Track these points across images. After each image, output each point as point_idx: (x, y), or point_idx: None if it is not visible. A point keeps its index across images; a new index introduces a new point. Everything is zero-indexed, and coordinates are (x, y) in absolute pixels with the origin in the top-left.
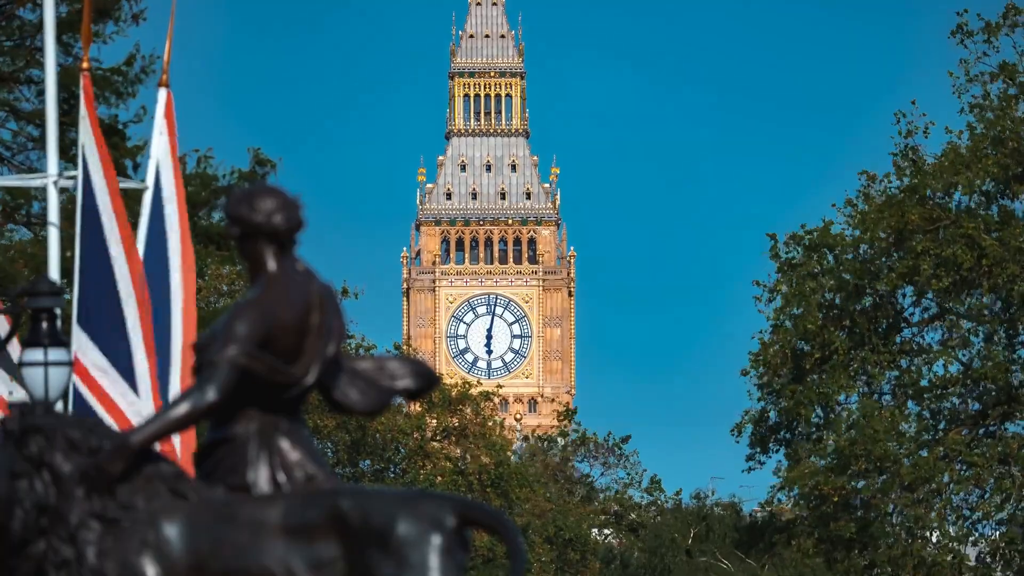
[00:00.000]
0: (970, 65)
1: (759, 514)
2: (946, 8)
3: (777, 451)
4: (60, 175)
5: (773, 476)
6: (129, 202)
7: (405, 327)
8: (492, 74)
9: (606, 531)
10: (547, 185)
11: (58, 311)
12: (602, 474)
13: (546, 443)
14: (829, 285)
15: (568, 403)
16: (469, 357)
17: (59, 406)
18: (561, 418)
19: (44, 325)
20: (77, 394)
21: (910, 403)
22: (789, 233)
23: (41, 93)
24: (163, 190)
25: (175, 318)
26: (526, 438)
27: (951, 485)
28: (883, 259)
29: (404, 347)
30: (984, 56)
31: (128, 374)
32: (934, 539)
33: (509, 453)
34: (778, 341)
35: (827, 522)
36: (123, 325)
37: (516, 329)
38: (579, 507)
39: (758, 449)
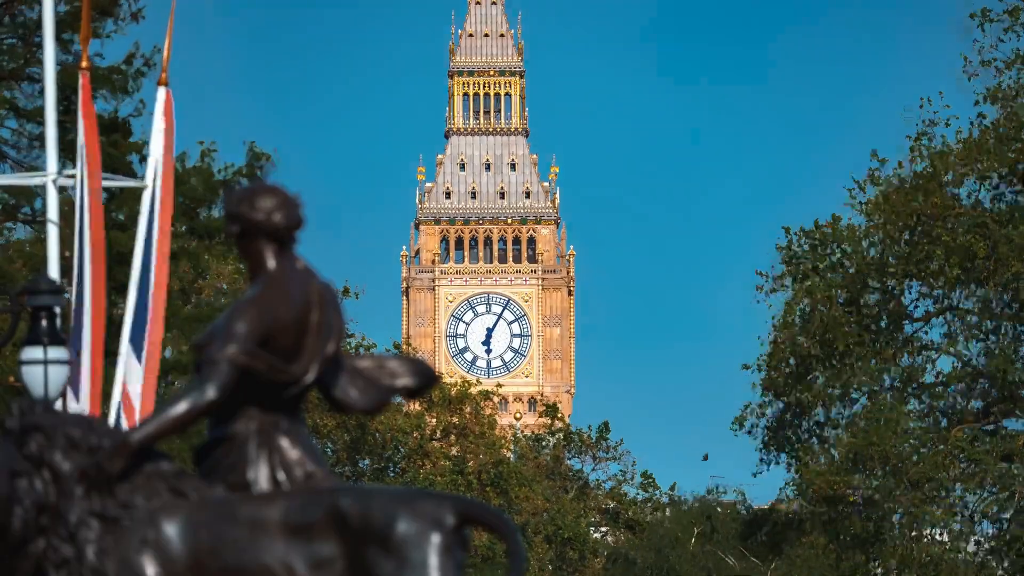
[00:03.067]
0: (984, 51)
1: (762, 511)
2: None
3: (788, 451)
4: (59, 173)
5: (784, 476)
6: (130, 201)
7: (404, 326)
8: (491, 73)
9: (603, 529)
10: (546, 184)
11: (57, 309)
12: (593, 469)
13: (536, 442)
14: (835, 281)
15: (558, 402)
16: (468, 356)
17: (58, 404)
18: (541, 415)
19: (44, 323)
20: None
21: (913, 400)
22: (801, 227)
23: (42, 91)
24: (158, 188)
25: (149, 310)
26: (516, 439)
27: (954, 483)
28: (893, 248)
29: (404, 346)
30: (999, 42)
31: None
32: (938, 536)
33: (507, 452)
34: (784, 338)
35: (835, 521)
36: (80, 328)
37: (516, 328)
38: (574, 504)
39: (772, 451)
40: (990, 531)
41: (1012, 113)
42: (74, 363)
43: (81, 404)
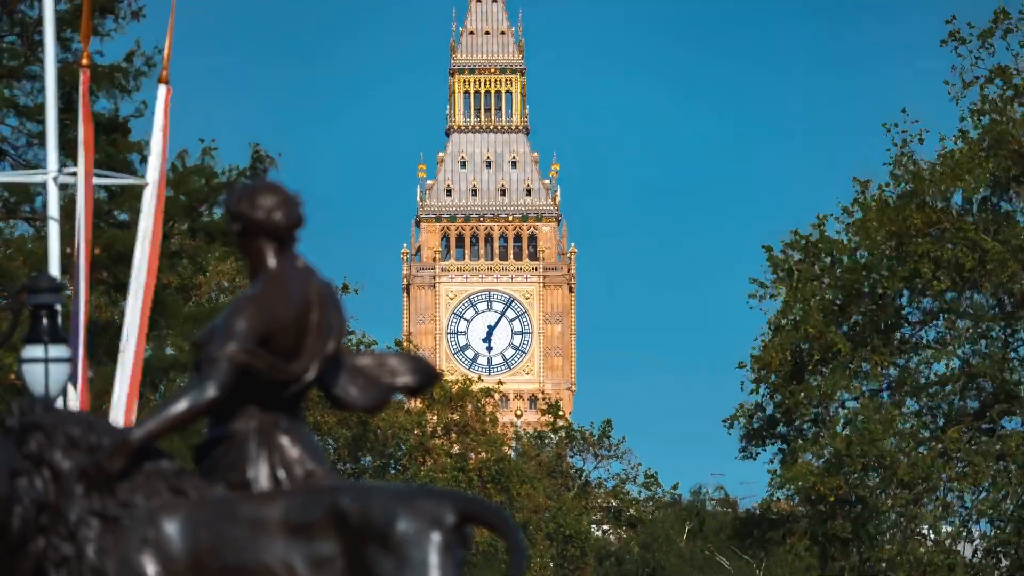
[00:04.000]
0: (965, 71)
1: (756, 510)
2: (939, 13)
3: (772, 444)
4: (60, 171)
5: (768, 471)
6: (132, 200)
7: (405, 323)
8: (492, 70)
9: (604, 527)
10: (547, 181)
11: (58, 307)
12: (595, 467)
13: (539, 440)
14: (829, 284)
15: (560, 399)
16: (469, 354)
17: (59, 403)
18: (544, 413)
19: (44, 322)
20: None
21: (908, 401)
22: (784, 240)
23: (43, 89)
24: (157, 185)
25: (135, 301)
26: (518, 436)
27: (948, 483)
28: (883, 262)
29: (405, 343)
30: (979, 60)
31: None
32: (931, 537)
33: (507, 450)
34: (778, 343)
35: (823, 520)
36: (76, 327)
37: (517, 326)
38: (576, 502)
39: (752, 441)
40: (986, 532)
41: (991, 125)
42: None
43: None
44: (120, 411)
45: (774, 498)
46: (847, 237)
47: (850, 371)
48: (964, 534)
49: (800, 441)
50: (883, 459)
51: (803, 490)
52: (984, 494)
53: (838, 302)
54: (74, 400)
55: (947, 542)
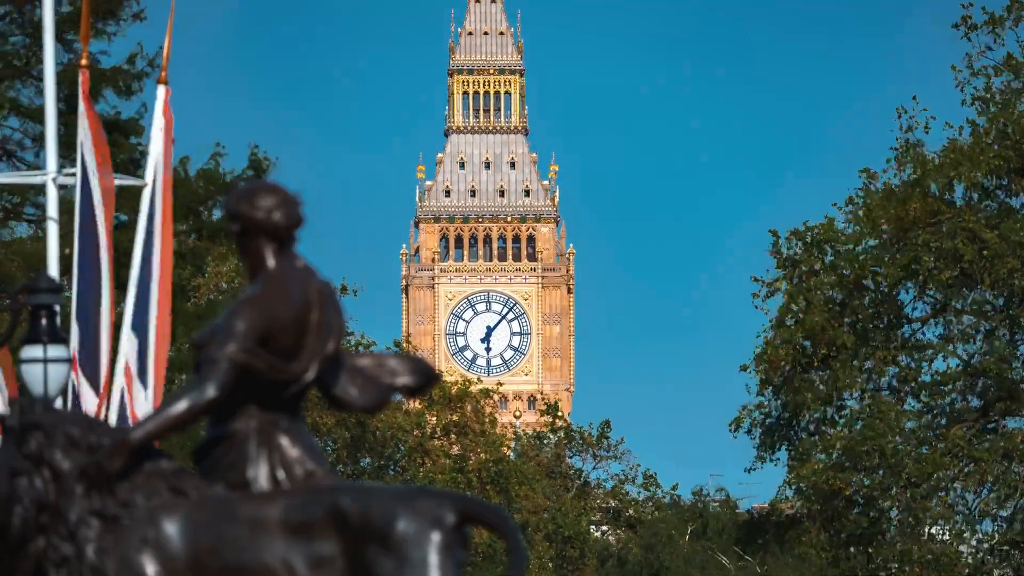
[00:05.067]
0: (974, 59)
1: (762, 511)
2: (948, 1)
3: (781, 448)
4: (59, 172)
5: (781, 474)
6: (131, 201)
7: (404, 324)
8: (491, 71)
9: (603, 528)
10: (546, 182)
11: (57, 308)
12: (594, 467)
13: (538, 440)
14: (831, 282)
15: (558, 400)
16: (468, 354)
17: (58, 403)
18: (542, 414)
19: (43, 322)
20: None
21: (911, 399)
22: (791, 230)
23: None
24: (158, 187)
25: (152, 304)
26: (517, 437)
27: (953, 481)
28: (884, 253)
29: (405, 344)
30: (988, 50)
31: (92, 371)
32: (937, 536)
33: (507, 450)
34: (781, 338)
35: (833, 518)
36: (98, 327)
37: (515, 326)
38: (575, 503)
39: (767, 449)
40: (991, 530)
41: (996, 116)
42: (74, 362)
43: (94, 401)
44: (133, 411)
45: (783, 498)
46: (851, 227)
47: (855, 367)
48: (970, 533)
49: (806, 437)
50: (887, 457)
51: (814, 487)
52: (988, 493)
53: (841, 297)
54: (91, 405)
55: (953, 541)
